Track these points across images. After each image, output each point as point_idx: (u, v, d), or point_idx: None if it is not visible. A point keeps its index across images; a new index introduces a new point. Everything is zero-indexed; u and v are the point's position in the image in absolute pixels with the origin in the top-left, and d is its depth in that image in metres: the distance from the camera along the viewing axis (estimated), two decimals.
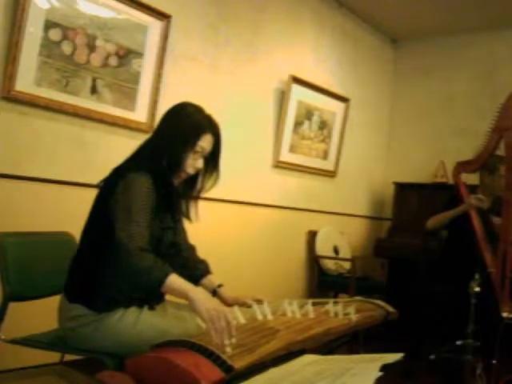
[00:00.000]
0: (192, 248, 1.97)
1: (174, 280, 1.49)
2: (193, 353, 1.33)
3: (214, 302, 1.48)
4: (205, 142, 1.72)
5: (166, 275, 1.48)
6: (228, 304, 1.88)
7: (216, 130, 1.75)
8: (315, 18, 4.35)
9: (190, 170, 1.73)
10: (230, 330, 1.39)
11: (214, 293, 1.91)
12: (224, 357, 1.31)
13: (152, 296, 1.70)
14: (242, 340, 1.43)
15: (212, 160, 1.78)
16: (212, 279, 1.93)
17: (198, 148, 1.70)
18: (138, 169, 1.62)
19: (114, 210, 1.56)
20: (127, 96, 2.97)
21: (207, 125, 1.73)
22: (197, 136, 1.70)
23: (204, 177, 1.81)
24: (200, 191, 1.83)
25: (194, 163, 1.72)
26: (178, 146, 1.69)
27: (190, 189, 1.82)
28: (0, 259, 1.80)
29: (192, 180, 1.80)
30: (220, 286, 1.93)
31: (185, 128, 1.70)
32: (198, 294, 1.47)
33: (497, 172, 3.18)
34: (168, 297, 1.79)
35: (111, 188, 1.61)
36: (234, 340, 1.38)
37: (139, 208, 1.56)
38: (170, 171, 1.70)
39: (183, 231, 1.94)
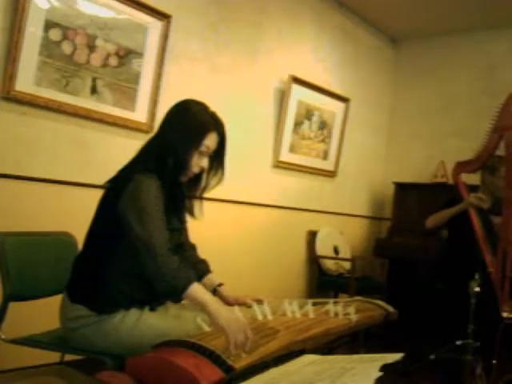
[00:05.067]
0: (193, 248, 1.97)
1: (197, 289, 1.49)
2: (193, 353, 1.33)
3: (234, 315, 1.48)
4: (210, 141, 1.70)
5: (190, 282, 1.48)
6: (228, 303, 1.88)
7: (221, 127, 1.74)
8: (315, 18, 4.35)
9: (196, 169, 1.72)
10: (246, 344, 1.40)
11: (214, 292, 1.90)
12: (224, 357, 1.31)
13: (154, 297, 1.70)
14: None
15: (217, 158, 1.77)
16: (212, 278, 1.93)
17: (203, 147, 1.69)
18: (144, 171, 1.61)
19: (126, 213, 1.55)
20: (127, 96, 2.97)
21: (212, 123, 1.71)
22: (202, 135, 1.68)
23: (208, 175, 1.80)
24: (204, 189, 1.82)
25: (199, 162, 1.71)
26: (184, 146, 1.67)
27: (195, 187, 1.81)
28: (0, 259, 1.80)
29: (196, 178, 1.79)
30: (220, 284, 1.93)
31: (190, 127, 1.69)
32: (218, 307, 1.47)
33: (497, 172, 3.18)
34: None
35: (118, 190, 1.60)
36: (244, 355, 1.39)
37: (153, 209, 1.55)
38: (176, 171, 1.69)
39: (186, 231, 1.94)
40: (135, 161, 1.72)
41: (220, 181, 1.81)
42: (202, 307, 1.48)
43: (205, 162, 1.73)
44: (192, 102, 1.76)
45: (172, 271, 1.47)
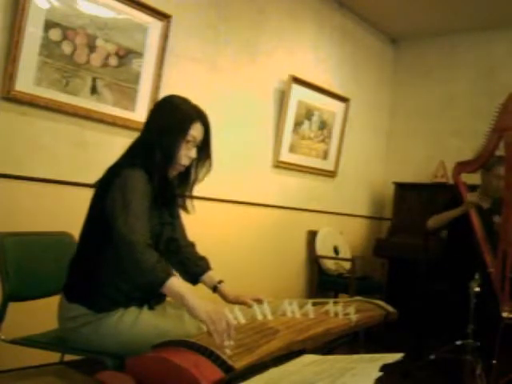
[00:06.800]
0: (192, 245, 1.97)
1: (175, 283, 1.48)
2: (193, 353, 1.33)
3: (211, 306, 1.47)
4: (195, 131, 1.72)
5: (168, 276, 1.47)
6: (228, 300, 1.88)
7: (204, 118, 1.76)
8: (315, 18, 4.35)
9: (185, 161, 1.74)
10: (230, 331, 1.39)
11: (215, 289, 1.91)
12: (224, 357, 1.31)
13: (151, 295, 1.70)
14: (241, 340, 1.43)
15: (203, 149, 1.79)
16: (212, 275, 1.94)
17: (189, 137, 1.71)
18: (132, 166, 1.63)
19: (112, 208, 1.56)
20: (127, 96, 2.97)
21: (195, 114, 1.74)
22: (187, 125, 1.71)
23: (197, 167, 1.81)
24: (194, 182, 1.84)
25: (187, 153, 1.73)
26: (170, 138, 1.69)
27: (185, 180, 1.82)
28: (0, 259, 1.80)
29: (185, 173, 1.80)
30: (220, 282, 1.93)
31: (174, 119, 1.71)
32: (194, 298, 1.46)
33: (491, 171, 3.18)
34: (168, 297, 1.79)
35: (107, 187, 1.61)
36: (232, 342, 1.38)
37: (138, 203, 1.55)
38: (164, 165, 1.70)
39: (182, 227, 1.94)
40: (123, 157, 1.74)
41: (208, 171, 1.83)
42: (179, 301, 1.47)
43: (193, 153, 1.74)
44: (174, 96, 1.79)
45: (150, 266, 1.46)
